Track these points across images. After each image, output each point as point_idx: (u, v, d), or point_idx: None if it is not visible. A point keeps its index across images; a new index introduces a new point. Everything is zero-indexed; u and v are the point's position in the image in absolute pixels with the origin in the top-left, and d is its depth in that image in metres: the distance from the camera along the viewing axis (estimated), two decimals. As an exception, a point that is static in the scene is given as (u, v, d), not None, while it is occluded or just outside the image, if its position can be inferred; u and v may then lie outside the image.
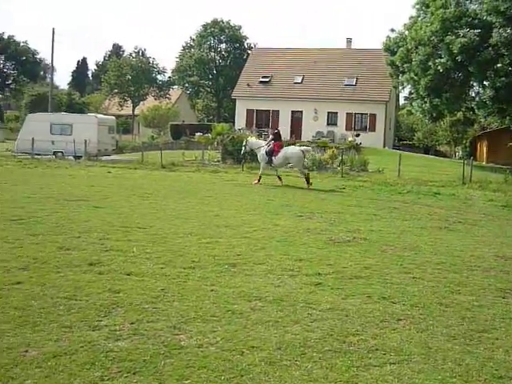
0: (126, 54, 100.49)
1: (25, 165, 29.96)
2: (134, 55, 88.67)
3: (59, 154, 36.54)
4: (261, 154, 23.74)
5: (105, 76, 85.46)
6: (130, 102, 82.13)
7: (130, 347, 5.43)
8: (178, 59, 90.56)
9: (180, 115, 73.57)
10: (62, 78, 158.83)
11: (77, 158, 34.83)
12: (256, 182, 22.81)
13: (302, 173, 23.11)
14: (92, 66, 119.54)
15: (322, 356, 5.45)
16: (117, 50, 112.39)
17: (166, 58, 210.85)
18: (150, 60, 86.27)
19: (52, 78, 64.46)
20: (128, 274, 7.93)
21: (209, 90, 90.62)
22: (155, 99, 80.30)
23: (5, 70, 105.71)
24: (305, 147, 25.75)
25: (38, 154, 35.31)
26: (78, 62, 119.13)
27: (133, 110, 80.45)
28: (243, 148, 25.19)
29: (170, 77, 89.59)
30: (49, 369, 4.90)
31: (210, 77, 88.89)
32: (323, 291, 7.56)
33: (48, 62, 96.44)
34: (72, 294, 6.90)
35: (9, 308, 6.33)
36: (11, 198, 15.54)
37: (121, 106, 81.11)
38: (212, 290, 7.37)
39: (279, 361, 5.30)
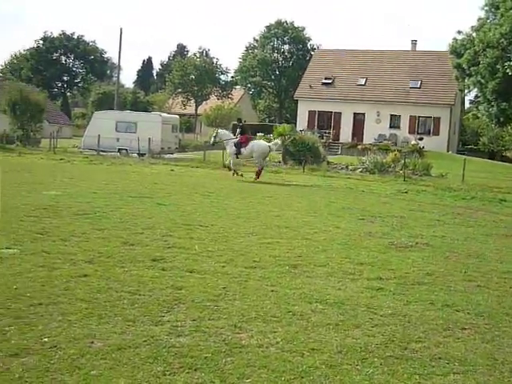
0: (190, 54, 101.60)
1: (91, 161, 30.70)
2: (197, 55, 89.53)
3: (124, 151, 37.25)
4: (229, 146, 24.57)
5: (169, 75, 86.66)
6: (193, 101, 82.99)
7: (192, 343, 5.50)
8: (241, 60, 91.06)
9: (242, 115, 74.00)
10: (128, 77, 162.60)
11: (141, 155, 35.44)
12: (232, 173, 24.03)
13: (261, 165, 24.50)
14: (157, 66, 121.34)
15: (383, 362, 5.39)
16: (181, 50, 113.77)
17: (229, 58, 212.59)
18: (214, 60, 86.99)
19: (118, 77, 65.71)
20: (190, 272, 8.03)
21: (271, 90, 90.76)
22: (218, 99, 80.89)
23: (74, 69, 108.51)
24: (273, 142, 26.74)
25: (104, 151, 36.16)
26: (144, 61, 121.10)
27: (196, 110, 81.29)
28: (212, 138, 25.75)
29: (232, 77, 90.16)
30: (113, 361, 5.00)
31: (273, 77, 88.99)
32: (385, 296, 7.48)
33: (115, 61, 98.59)
34: (136, 289, 7.03)
35: (75, 300, 6.50)
36: (78, 192, 15.95)
37: (184, 105, 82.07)
38: (272, 291, 7.38)
39: (340, 364, 5.27)
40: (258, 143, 25.53)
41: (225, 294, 7.09)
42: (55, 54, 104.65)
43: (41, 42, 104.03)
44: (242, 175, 23.88)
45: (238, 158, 24.75)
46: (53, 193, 15.57)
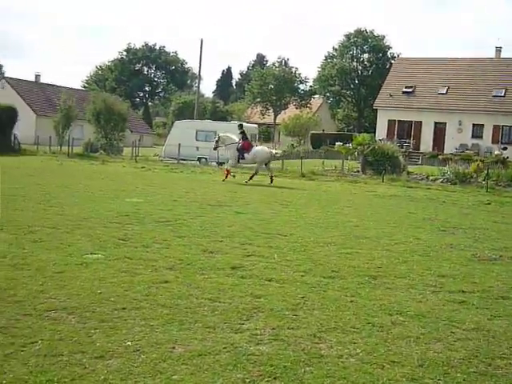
0: (269, 63, 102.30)
1: (171, 169, 31.33)
2: (277, 65, 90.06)
3: (203, 159, 37.79)
4: (232, 151, 25.70)
5: (248, 85, 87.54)
6: (271, 110, 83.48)
7: (271, 352, 5.50)
8: (319, 69, 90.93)
9: (320, 124, 73.72)
10: (208, 87, 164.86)
11: (219, 164, 35.84)
12: (224, 178, 25.06)
13: (257, 171, 25.70)
14: (236, 76, 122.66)
15: (466, 377, 5.23)
16: (260, 59, 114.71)
17: (308, 67, 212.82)
18: (293, 70, 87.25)
19: (198, 87, 66.83)
20: (269, 280, 8.05)
21: (350, 99, 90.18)
22: (296, 108, 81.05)
23: (155, 79, 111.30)
24: (274, 150, 29.06)
25: (184, 160, 36.77)
26: (223, 71, 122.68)
27: (274, 119, 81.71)
28: (215, 142, 26.65)
29: (311, 86, 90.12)
30: (194, 366, 5.06)
31: (352, 86, 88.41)
32: (467, 310, 7.27)
33: (195, 71, 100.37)
34: (216, 296, 7.11)
35: (157, 305, 6.62)
36: (159, 200, 16.31)
37: (262, 114, 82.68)
38: (352, 301, 7.31)
39: (421, 378, 5.15)
40: (262, 149, 26.72)
41: (303, 304, 7.07)
42: (138, 65, 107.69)
43: (124, 53, 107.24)
44: (234, 176, 25.22)
45: (239, 162, 25.97)
46: (135, 200, 15.98)
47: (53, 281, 7.36)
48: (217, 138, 26.34)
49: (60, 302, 6.51)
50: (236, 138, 26.18)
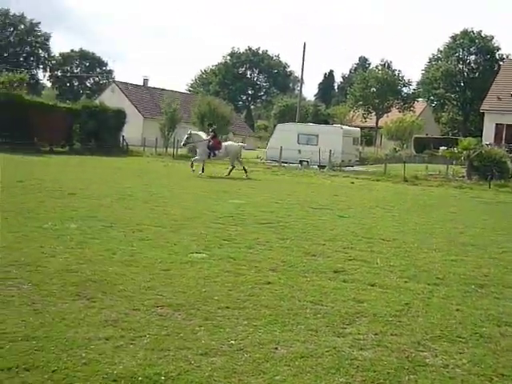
0: (371, 66, 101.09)
1: (273, 172, 31.59)
2: (379, 68, 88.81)
3: (305, 162, 37.81)
4: (202, 148, 26.80)
5: (350, 88, 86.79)
6: (373, 113, 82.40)
7: (374, 358, 5.43)
8: (423, 71, 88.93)
9: (424, 128, 72.06)
10: (309, 90, 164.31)
11: (321, 167, 35.77)
12: (200, 172, 25.47)
13: (233, 165, 27.19)
14: (338, 79, 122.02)
15: None
16: (363, 62, 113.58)
17: (411, 70, 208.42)
18: (396, 72, 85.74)
19: (301, 90, 67.01)
20: (372, 285, 7.95)
21: (455, 102, 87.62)
22: (399, 111, 79.51)
23: (258, 83, 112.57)
24: (242, 143, 31.04)
25: (285, 162, 36.94)
26: (325, 74, 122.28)
27: (376, 122, 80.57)
28: (185, 139, 27.75)
29: (414, 89, 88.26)
30: (296, 368, 5.07)
31: (457, 89, 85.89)
32: None
33: (297, 74, 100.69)
34: (318, 299, 7.09)
35: (260, 306, 6.68)
36: (261, 202, 16.49)
37: (364, 117, 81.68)
38: (458, 310, 7.09)
39: (533, 393, 4.95)
40: (231, 144, 28.59)
41: (407, 310, 6.94)
42: (241, 69, 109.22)
43: (228, 57, 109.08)
44: (193, 171, 25.70)
45: (209, 158, 27.17)
46: (237, 201, 16.23)
47: (160, 278, 7.59)
48: (188, 135, 27.33)
49: (167, 299, 6.70)
50: (204, 136, 27.51)
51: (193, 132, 27.80)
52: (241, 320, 6.17)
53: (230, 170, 26.78)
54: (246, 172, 26.64)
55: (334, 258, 9.52)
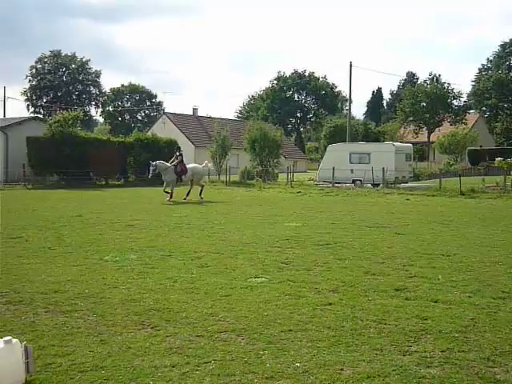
0: (420, 81, 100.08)
1: (326, 193, 31.47)
2: (428, 82, 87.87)
3: (358, 182, 37.62)
4: (168, 175, 26.26)
5: (399, 104, 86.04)
6: (425, 128, 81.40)
7: (443, 375, 5.33)
8: (473, 82, 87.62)
9: (477, 140, 70.88)
10: (358, 109, 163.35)
11: (375, 185, 35.52)
12: (168, 198, 24.51)
13: (201, 185, 27.35)
14: (386, 96, 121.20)
15: None
16: (411, 77, 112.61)
17: (461, 82, 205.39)
18: (445, 85, 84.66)
19: (350, 110, 66.88)
20: (435, 301, 7.82)
21: (508, 112, 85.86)
22: (450, 125, 78.38)
23: (306, 105, 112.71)
24: (206, 164, 29.76)
25: (338, 182, 36.84)
26: (373, 92, 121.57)
27: (428, 137, 79.56)
28: (151, 171, 26.52)
29: (465, 101, 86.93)
30: (365, 389, 5.03)
31: (510, 98, 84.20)
32: None
33: (345, 94, 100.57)
34: (381, 318, 7.02)
35: (323, 327, 6.66)
36: (317, 224, 16.46)
37: (416, 133, 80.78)
38: (526, 323, 6.91)
39: None
40: (196, 167, 28.17)
41: (473, 326, 6.79)
42: (288, 92, 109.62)
43: (275, 81, 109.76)
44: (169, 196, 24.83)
45: (177, 182, 26.49)
46: (294, 224, 16.23)
47: (221, 303, 7.64)
48: (154, 167, 26.29)
49: (229, 324, 6.74)
50: (168, 164, 26.76)
51: (157, 162, 26.61)
52: (304, 342, 6.16)
53: (201, 191, 26.57)
54: (200, 194, 26.15)
55: (395, 275, 9.42)
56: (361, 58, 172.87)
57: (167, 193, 25.23)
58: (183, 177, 26.60)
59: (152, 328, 6.61)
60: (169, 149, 42.74)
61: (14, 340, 5.08)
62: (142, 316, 7.06)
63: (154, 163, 26.37)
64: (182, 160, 26.87)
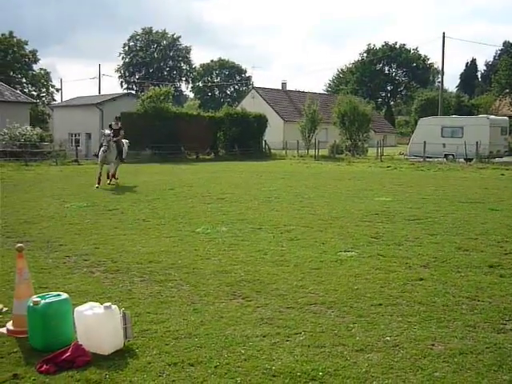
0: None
1: (417, 167, 30.87)
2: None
3: (450, 156, 36.66)
4: (113, 154, 20.26)
5: (495, 76, 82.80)
6: (522, 101, 78.07)
7: (540, 354, 5.20)
8: None
9: None
10: (451, 81, 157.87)
11: (468, 160, 34.54)
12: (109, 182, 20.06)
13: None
14: (481, 67, 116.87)
15: None
16: (508, 47, 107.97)
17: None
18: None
19: (442, 82, 64.76)
20: (532, 279, 7.59)
21: None
22: (551, 96, 74.90)
23: (397, 78, 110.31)
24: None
25: (429, 157, 36.04)
26: (467, 63, 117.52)
27: (526, 110, 76.34)
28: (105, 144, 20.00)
29: None
30: (455, 365, 4.95)
31: None
32: None
33: (437, 66, 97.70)
34: (474, 295, 6.88)
35: (413, 302, 6.60)
36: (407, 198, 16.22)
37: (512, 105, 77.66)
38: None
39: None
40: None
41: None
42: (378, 65, 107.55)
43: (364, 54, 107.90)
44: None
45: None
46: (383, 199, 16.05)
47: (311, 276, 7.70)
48: (109, 139, 20.15)
49: (319, 297, 6.79)
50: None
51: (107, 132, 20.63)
52: (395, 316, 6.13)
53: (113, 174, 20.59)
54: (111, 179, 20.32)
55: (489, 252, 9.18)
56: (454, 28, 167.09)
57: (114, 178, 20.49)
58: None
59: (243, 299, 6.75)
60: (258, 123, 43.07)
61: (114, 306, 5.32)
62: (234, 287, 7.22)
63: (108, 133, 20.37)
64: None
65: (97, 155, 20.83)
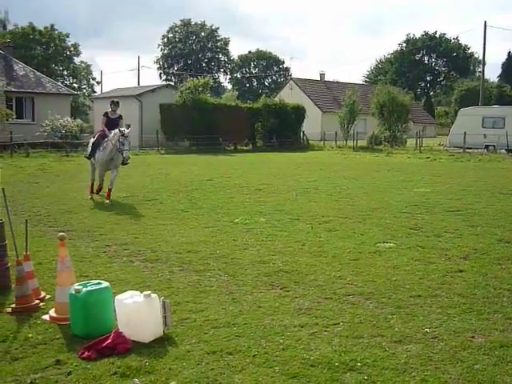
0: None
1: (457, 158, 30.49)
2: None
3: (491, 147, 36.06)
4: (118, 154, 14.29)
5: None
6: None
7: None
8: None
9: None
10: (492, 71, 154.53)
11: (509, 151, 33.94)
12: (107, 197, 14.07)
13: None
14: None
15: None
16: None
17: None
18: None
19: (483, 72, 63.67)
20: None
21: None
22: None
23: (436, 68, 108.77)
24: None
25: (470, 148, 35.51)
26: (509, 53, 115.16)
27: None
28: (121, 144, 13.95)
29: None
30: (496, 357, 4.89)
31: None
32: None
33: (478, 55, 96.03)
34: (515, 287, 6.80)
35: (453, 294, 6.54)
36: (447, 190, 16.05)
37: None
38: None
39: None
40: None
41: None
42: (418, 55, 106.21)
43: (404, 44, 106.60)
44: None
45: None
46: (422, 190, 15.90)
47: (349, 267, 7.69)
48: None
49: (357, 288, 6.78)
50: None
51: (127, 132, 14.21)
52: (434, 308, 6.09)
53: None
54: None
55: (543, 244, 9.04)
56: (496, 16, 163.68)
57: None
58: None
59: (281, 289, 6.78)
60: (296, 114, 42.95)
61: (153, 295, 5.39)
62: (272, 277, 7.25)
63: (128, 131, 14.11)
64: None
65: (90, 156, 14.95)
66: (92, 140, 15.37)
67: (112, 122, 14.72)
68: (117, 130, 13.98)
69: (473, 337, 5.35)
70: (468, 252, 8.53)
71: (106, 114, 15.01)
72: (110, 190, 14.12)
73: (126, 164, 14.75)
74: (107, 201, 13.79)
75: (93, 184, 14.91)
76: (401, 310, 6.04)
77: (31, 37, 68.12)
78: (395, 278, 7.14)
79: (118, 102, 15.44)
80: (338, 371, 4.62)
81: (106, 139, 14.31)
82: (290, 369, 4.65)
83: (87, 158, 15.32)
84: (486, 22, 55.59)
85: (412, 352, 5.00)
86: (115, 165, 14.42)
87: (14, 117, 34.80)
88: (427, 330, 5.50)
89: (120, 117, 15.06)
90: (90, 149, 15.11)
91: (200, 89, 39.52)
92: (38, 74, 42.35)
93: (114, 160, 14.30)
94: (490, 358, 4.90)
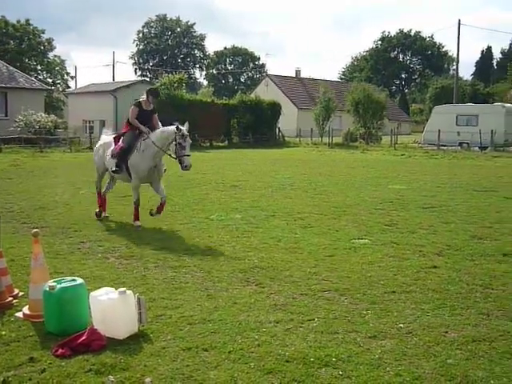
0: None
1: (431, 156, 30.77)
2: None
3: (464, 144, 36.45)
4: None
5: (511, 64, 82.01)
6: (538, 89, 77.33)
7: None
8: None
9: None
10: (466, 69, 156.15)
11: (482, 148, 34.33)
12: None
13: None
14: (497, 55, 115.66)
15: None
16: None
17: None
18: None
19: (457, 70, 64.34)
20: (549, 268, 7.56)
21: None
22: None
23: (411, 66, 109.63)
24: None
25: (444, 145, 35.87)
26: (482, 51, 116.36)
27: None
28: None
29: None
30: (469, 352, 4.95)
31: None
32: None
33: (452, 54, 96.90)
34: (487, 283, 6.87)
35: (427, 290, 6.60)
36: (421, 187, 16.18)
37: (529, 94, 76.90)
38: None
39: None
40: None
41: None
42: (393, 53, 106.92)
43: (379, 42, 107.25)
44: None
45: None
46: (397, 187, 16.02)
47: (324, 264, 7.72)
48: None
49: (332, 284, 6.81)
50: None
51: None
52: (408, 304, 6.14)
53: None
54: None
55: (503, 240, 9.16)
56: (470, 15, 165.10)
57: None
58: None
59: (257, 285, 6.78)
60: (272, 111, 42.99)
61: (128, 291, 5.36)
62: (247, 273, 7.25)
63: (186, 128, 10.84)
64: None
65: (119, 167, 10.85)
66: (110, 144, 11.19)
67: (143, 116, 10.91)
68: (171, 128, 10.60)
69: (446, 332, 5.40)
70: (442, 248, 8.61)
71: (138, 104, 10.93)
72: (163, 203, 10.64)
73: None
74: (158, 214, 10.60)
75: (99, 193, 11.73)
76: (375, 305, 6.08)
77: (4, 31, 67.26)
78: (370, 274, 7.19)
79: (158, 93, 11.84)
80: (313, 367, 4.63)
81: (142, 138, 10.67)
82: (265, 365, 4.66)
83: (115, 172, 10.96)
84: (460, 21, 56.25)
85: (386, 347, 5.03)
86: (160, 175, 11.05)
87: (-13, 112, 34.43)
88: (401, 325, 5.54)
89: (154, 110, 11.23)
90: (115, 158, 10.81)
91: (175, 85, 39.38)
92: (11, 68, 41.87)
93: (157, 167, 10.86)
94: (462, 352, 4.95)
